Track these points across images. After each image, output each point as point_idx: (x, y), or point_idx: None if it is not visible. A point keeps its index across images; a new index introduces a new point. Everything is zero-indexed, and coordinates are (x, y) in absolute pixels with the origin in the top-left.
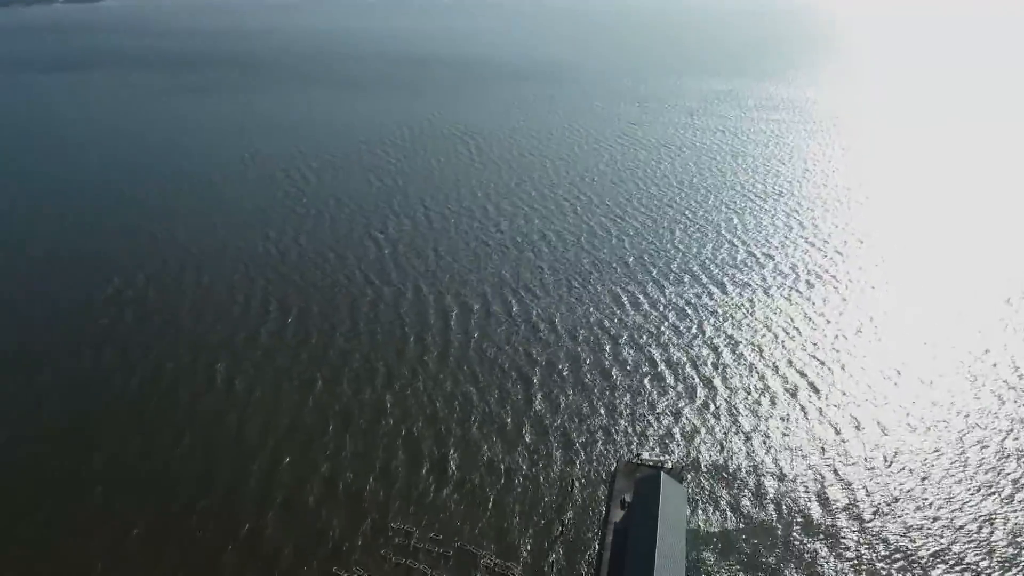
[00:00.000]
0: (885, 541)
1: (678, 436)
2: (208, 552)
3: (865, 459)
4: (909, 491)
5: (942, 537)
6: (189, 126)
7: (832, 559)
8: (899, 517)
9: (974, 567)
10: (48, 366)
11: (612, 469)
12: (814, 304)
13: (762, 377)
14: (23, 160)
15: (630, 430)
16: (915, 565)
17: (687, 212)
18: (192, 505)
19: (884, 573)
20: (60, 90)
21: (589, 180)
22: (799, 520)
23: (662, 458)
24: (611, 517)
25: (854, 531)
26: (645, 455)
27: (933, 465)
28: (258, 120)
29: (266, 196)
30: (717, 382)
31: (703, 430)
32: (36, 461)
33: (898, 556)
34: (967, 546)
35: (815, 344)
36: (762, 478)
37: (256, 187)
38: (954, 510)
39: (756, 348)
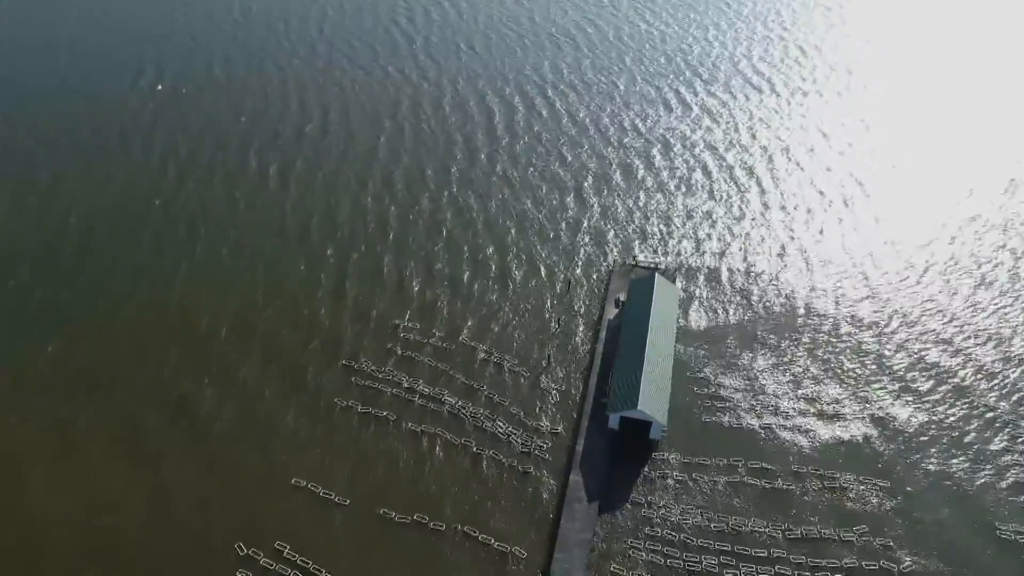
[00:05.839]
0: (904, 347)
1: (705, 240)
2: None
3: (895, 272)
4: (936, 302)
5: (965, 346)
6: None
7: (833, 358)
8: (922, 326)
9: (989, 371)
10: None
11: (608, 270)
12: (861, 107)
13: (799, 184)
14: None
15: (657, 233)
16: (933, 369)
17: (725, 2)
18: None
19: (893, 374)
20: None
21: None
22: (810, 322)
23: (657, 260)
24: (605, 315)
25: (870, 338)
26: (641, 257)
27: (966, 275)
28: None
29: None
30: (753, 189)
31: (733, 233)
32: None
33: (915, 362)
34: (989, 355)
35: (856, 149)
36: (785, 285)
37: None
38: (978, 321)
39: (794, 155)
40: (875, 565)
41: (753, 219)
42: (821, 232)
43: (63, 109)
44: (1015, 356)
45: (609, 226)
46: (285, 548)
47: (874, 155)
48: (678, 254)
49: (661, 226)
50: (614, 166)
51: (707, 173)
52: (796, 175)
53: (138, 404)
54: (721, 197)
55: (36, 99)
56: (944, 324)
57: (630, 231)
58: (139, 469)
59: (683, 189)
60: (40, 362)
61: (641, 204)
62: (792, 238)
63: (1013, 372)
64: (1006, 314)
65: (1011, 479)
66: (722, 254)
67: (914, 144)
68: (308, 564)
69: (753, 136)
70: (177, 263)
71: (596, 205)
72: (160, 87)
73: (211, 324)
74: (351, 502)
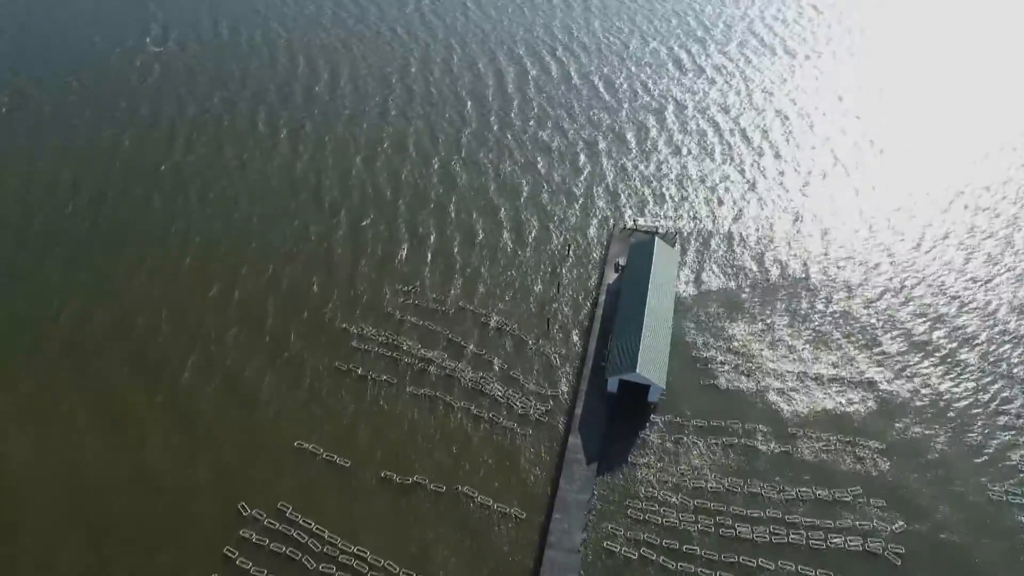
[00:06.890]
0: (908, 315)
1: (713, 204)
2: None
3: (906, 239)
4: (945, 271)
5: (968, 316)
6: None
7: (836, 324)
8: (928, 295)
9: (989, 341)
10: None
11: (608, 235)
12: (876, 69)
13: (813, 148)
14: None
15: (665, 196)
16: (934, 337)
17: None
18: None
19: (895, 341)
20: None
21: None
22: (814, 287)
23: (656, 224)
24: (605, 279)
25: (875, 304)
26: (640, 221)
27: (979, 244)
28: None
29: None
30: (766, 152)
31: (743, 198)
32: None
33: (917, 330)
34: (991, 325)
35: (870, 112)
36: (793, 250)
37: None
38: (984, 291)
39: (808, 117)
40: (869, 525)
41: (764, 183)
42: (832, 198)
43: (69, 73)
44: (1015, 327)
45: (619, 189)
46: (288, 509)
47: (889, 118)
48: (684, 218)
49: (670, 189)
50: (624, 129)
51: (719, 136)
52: (809, 138)
53: (145, 370)
54: (732, 161)
55: (42, 64)
56: (950, 294)
57: (638, 195)
58: (145, 433)
59: (693, 153)
60: (52, 331)
61: (651, 168)
62: (804, 203)
63: (1012, 343)
64: (1014, 285)
65: (1004, 441)
66: (729, 218)
67: (930, 108)
68: (311, 524)
69: (766, 98)
70: (187, 229)
71: (605, 168)
72: (161, 49)
73: (221, 290)
74: (353, 464)
